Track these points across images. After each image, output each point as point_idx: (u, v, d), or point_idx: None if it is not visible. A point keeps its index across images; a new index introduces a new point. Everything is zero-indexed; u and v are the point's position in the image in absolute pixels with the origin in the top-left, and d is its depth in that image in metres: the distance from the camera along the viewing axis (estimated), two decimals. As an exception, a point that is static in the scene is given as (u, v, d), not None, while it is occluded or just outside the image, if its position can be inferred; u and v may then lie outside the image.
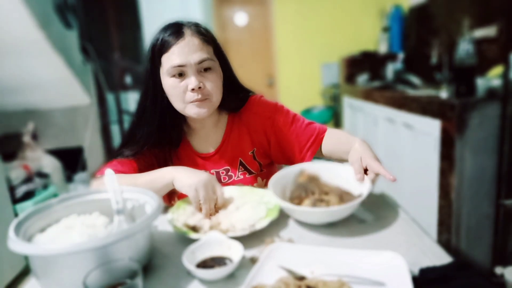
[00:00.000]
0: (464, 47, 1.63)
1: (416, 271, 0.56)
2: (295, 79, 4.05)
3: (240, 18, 4.08)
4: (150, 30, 3.65)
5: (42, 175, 2.23)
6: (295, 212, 0.75)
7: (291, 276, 0.56)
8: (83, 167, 2.75)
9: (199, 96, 0.85)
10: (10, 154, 2.30)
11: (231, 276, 0.60)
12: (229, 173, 0.98)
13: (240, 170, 0.98)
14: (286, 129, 0.96)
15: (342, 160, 0.90)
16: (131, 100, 3.37)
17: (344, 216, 0.73)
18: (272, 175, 0.87)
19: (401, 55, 2.88)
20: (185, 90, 0.85)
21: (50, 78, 2.30)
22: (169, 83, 0.86)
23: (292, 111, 1.00)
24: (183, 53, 0.83)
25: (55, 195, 2.10)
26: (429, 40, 2.68)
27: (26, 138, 2.36)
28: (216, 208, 0.81)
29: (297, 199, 0.81)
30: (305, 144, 0.95)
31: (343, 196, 0.77)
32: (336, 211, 0.71)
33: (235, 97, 0.97)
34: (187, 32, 0.84)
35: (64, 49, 2.23)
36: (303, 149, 0.95)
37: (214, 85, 0.87)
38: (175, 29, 0.85)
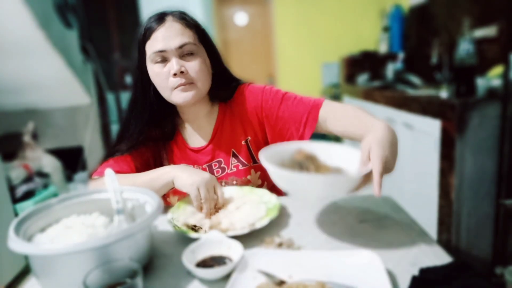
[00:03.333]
0: (464, 47, 1.63)
1: (416, 271, 0.56)
2: (295, 79, 4.05)
3: (240, 18, 4.08)
4: (150, 30, 3.65)
5: (42, 174, 2.23)
6: (291, 180, 0.66)
7: (271, 282, 0.56)
8: (83, 167, 2.75)
9: (183, 80, 0.83)
10: (10, 154, 2.30)
11: (231, 276, 0.60)
12: (222, 166, 0.96)
13: (233, 162, 0.96)
14: (276, 109, 0.92)
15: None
16: (131, 100, 3.37)
17: (343, 192, 0.66)
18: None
19: (401, 55, 2.88)
20: (168, 76, 0.83)
21: (50, 78, 2.30)
22: (153, 70, 0.85)
23: (283, 90, 0.95)
24: (164, 38, 0.82)
25: (55, 195, 2.10)
26: (429, 40, 2.67)
27: (26, 138, 2.36)
28: (217, 208, 0.81)
29: None
30: (300, 121, 0.89)
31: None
32: (334, 179, 0.65)
33: (225, 86, 0.95)
34: (169, 18, 0.84)
35: (64, 49, 2.23)
36: (300, 126, 0.89)
37: (197, 69, 0.84)
38: (158, 17, 0.85)
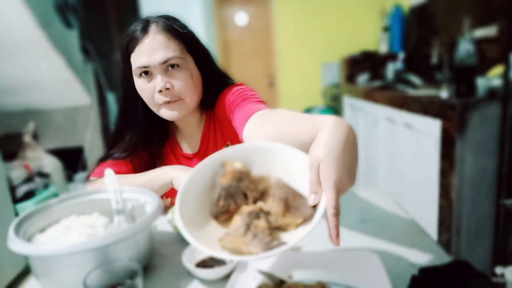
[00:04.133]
0: (465, 47, 1.63)
1: (416, 271, 0.56)
2: (295, 79, 4.05)
3: (241, 18, 4.08)
4: (150, 30, 3.65)
5: (42, 175, 2.23)
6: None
7: (270, 282, 0.56)
8: (83, 167, 2.76)
9: (168, 98, 0.80)
10: (11, 154, 2.30)
11: (231, 276, 0.60)
12: None
13: None
14: (232, 108, 0.83)
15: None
16: (132, 100, 3.37)
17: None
18: None
19: (401, 55, 2.87)
20: (154, 92, 0.80)
21: (50, 78, 2.31)
22: (138, 84, 0.82)
23: (250, 92, 0.84)
24: (146, 52, 0.77)
25: (55, 195, 2.10)
26: (429, 40, 2.67)
27: (27, 138, 2.36)
28: None
29: (224, 215, 0.52)
30: (238, 127, 0.78)
31: (289, 200, 0.49)
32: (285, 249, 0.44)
33: (212, 93, 0.90)
34: (152, 29, 0.79)
35: (64, 49, 2.23)
36: (238, 131, 0.77)
37: (183, 84, 0.80)
38: (141, 26, 0.80)
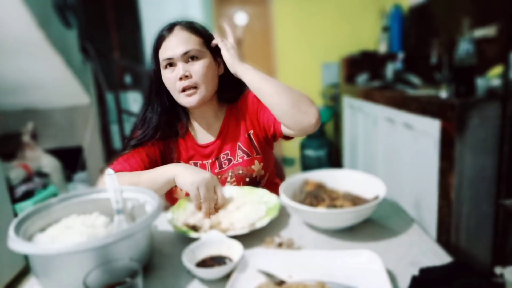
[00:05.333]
0: (464, 47, 1.63)
1: (416, 271, 0.56)
2: (295, 79, 4.05)
3: (240, 17, 4.08)
4: (149, 29, 3.65)
5: (41, 174, 2.23)
6: (314, 216, 0.72)
7: (271, 281, 0.56)
8: (82, 167, 2.75)
9: (187, 83, 0.90)
10: (10, 154, 2.30)
11: (231, 276, 0.60)
12: (229, 157, 1.02)
13: (238, 154, 1.01)
14: (262, 115, 1.00)
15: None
16: (131, 99, 3.37)
17: (362, 219, 0.71)
18: (267, 159, 0.96)
19: (401, 55, 2.88)
20: (175, 80, 0.91)
21: (49, 77, 2.30)
22: (164, 75, 0.93)
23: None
24: (171, 46, 0.90)
25: (54, 195, 2.10)
26: (429, 40, 2.68)
27: (26, 138, 2.35)
28: (216, 208, 0.81)
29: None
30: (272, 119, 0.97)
31: (356, 201, 0.75)
32: (357, 211, 0.68)
33: (234, 89, 1.02)
34: (177, 27, 0.92)
35: (63, 49, 2.23)
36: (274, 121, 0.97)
37: (201, 73, 0.91)
38: (168, 27, 0.93)
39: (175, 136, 1.02)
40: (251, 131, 1.02)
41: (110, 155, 2.91)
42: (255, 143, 1.02)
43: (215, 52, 0.96)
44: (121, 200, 0.66)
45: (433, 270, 0.55)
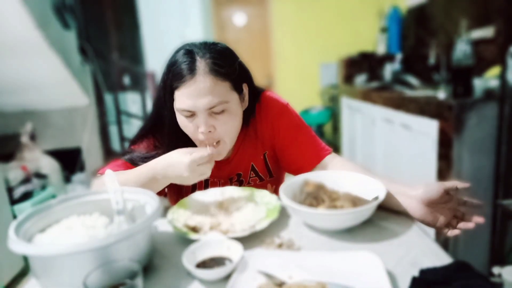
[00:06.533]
0: (462, 48, 1.64)
1: (416, 271, 0.56)
2: (293, 80, 4.05)
3: (239, 18, 4.09)
4: (148, 30, 3.65)
5: (40, 176, 2.23)
6: (314, 217, 0.71)
7: (271, 282, 0.56)
8: (81, 168, 2.75)
9: (210, 139, 0.81)
10: (8, 155, 2.29)
11: (231, 277, 0.60)
12: (240, 179, 0.97)
13: (251, 176, 0.97)
14: (287, 133, 0.92)
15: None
16: (130, 100, 3.37)
17: (362, 220, 0.71)
18: (281, 182, 0.88)
19: (399, 56, 2.89)
20: (196, 131, 0.81)
21: (48, 78, 2.30)
22: (180, 120, 0.82)
23: (298, 116, 0.95)
24: (192, 96, 0.76)
25: (53, 196, 2.09)
26: (427, 41, 2.69)
27: (24, 139, 2.35)
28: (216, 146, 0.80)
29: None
30: (308, 157, 0.90)
31: (356, 202, 0.74)
32: (357, 212, 0.68)
33: (248, 109, 0.91)
34: (199, 69, 0.76)
35: (62, 50, 2.23)
36: (305, 162, 0.90)
37: (226, 128, 0.82)
38: (188, 63, 0.77)
39: None
40: (266, 152, 0.96)
41: (109, 156, 2.91)
42: (269, 164, 0.97)
43: (241, 92, 0.85)
44: (121, 201, 0.66)
45: (433, 271, 0.55)
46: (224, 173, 0.96)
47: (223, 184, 0.97)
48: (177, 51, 0.81)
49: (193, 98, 0.76)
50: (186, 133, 0.84)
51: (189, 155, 0.74)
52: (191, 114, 0.79)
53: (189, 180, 0.76)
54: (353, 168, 0.84)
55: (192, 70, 0.76)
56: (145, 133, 0.92)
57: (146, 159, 0.85)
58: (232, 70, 0.81)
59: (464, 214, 0.75)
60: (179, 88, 0.78)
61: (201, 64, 0.77)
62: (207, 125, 0.79)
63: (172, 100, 0.81)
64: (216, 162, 0.92)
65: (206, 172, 0.76)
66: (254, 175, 0.97)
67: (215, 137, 0.82)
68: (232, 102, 0.81)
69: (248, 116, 0.92)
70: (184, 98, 0.77)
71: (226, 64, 0.79)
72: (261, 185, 0.98)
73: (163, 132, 0.88)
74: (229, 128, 0.82)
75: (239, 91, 0.84)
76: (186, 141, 0.86)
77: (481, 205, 0.75)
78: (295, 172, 0.91)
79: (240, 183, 0.97)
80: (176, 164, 0.75)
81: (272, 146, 0.96)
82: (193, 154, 0.74)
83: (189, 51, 0.79)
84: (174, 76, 0.78)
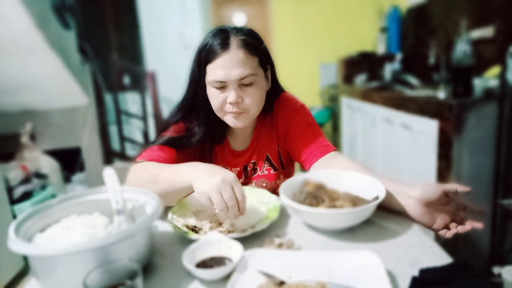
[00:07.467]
0: (462, 48, 1.64)
1: (416, 271, 0.56)
2: (293, 80, 4.03)
3: (239, 18, 4.08)
4: (148, 30, 3.64)
5: (40, 175, 2.23)
6: (314, 216, 0.71)
7: (271, 282, 0.56)
8: (81, 168, 2.75)
9: (236, 109, 0.87)
10: (8, 155, 2.29)
11: (231, 276, 0.60)
12: (255, 167, 1.02)
13: (265, 166, 1.02)
14: (299, 127, 0.97)
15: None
16: (129, 100, 3.36)
17: (362, 219, 0.71)
18: (291, 176, 0.93)
19: (399, 56, 2.89)
20: (224, 102, 0.87)
21: (48, 78, 2.30)
22: (210, 93, 0.88)
23: (311, 116, 1.01)
24: (225, 67, 0.83)
25: (53, 196, 2.09)
26: (426, 41, 2.69)
27: (24, 139, 2.35)
28: (240, 208, 0.71)
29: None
30: (313, 150, 0.94)
31: (356, 201, 0.74)
32: (357, 212, 0.68)
33: (272, 98, 0.99)
34: (233, 44, 0.84)
35: (62, 50, 2.22)
36: (310, 155, 0.94)
37: (253, 99, 0.88)
38: (222, 39, 0.84)
39: (215, 143, 1.00)
40: (279, 145, 1.02)
41: (109, 156, 2.91)
42: (282, 156, 1.02)
43: (267, 70, 0.93)
44: (121, 200, 0.66)
45: (433, 270, 0.55)
46: (241, 162, 1.01)
47: (239, 173, 1.01)
48: (210, 33, 0.88)
49: (227, 68, 0.83)
50: (213, 106, 0.90)
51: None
52: (222, 86, 0.85)
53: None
54: (354, 167, 0.85)
55: (226, 44, 0.83)
56: (181, 110, 0.96)
57: (180, 139, 0.91)
58: (260, 48, 0.89)
59: (463, 219, 0.74)
60: (212, 61, 0.84)
61: (235, 39, 0.84)
62: (237, 95, 0.85)
63: (203, 73, 0.88)
64: (235, 151, 1.01)
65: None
66: (268, 165, 1.02)
67: (242, 107, 0.87)
68: (259, 77, 0.88)
69: (268, 104, 0.97)
70: (217, 69, 0.84)
71: (255, 41, 0.88)
72: (275, 175, 1.02)
73: (197, 108, 0.93)
74: (254, 101, 0.88)
75: (265, 69, 0.92)
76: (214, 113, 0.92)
77: (483, 211, 0.75)
78: (301, 162, 0.96)
79: (254, 171, 1.01)
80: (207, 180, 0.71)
81: (285, 139, 1.01)
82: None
83: (223, 30, 0.87)
84: (209, 52, 0.85)
